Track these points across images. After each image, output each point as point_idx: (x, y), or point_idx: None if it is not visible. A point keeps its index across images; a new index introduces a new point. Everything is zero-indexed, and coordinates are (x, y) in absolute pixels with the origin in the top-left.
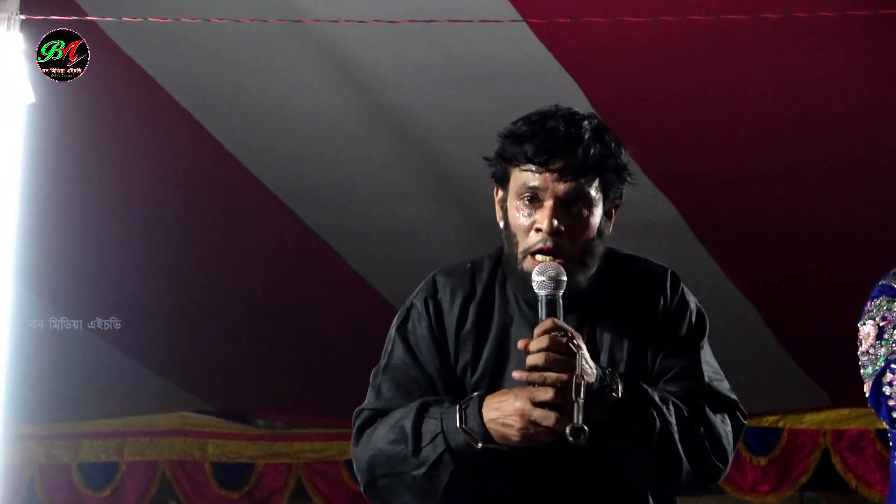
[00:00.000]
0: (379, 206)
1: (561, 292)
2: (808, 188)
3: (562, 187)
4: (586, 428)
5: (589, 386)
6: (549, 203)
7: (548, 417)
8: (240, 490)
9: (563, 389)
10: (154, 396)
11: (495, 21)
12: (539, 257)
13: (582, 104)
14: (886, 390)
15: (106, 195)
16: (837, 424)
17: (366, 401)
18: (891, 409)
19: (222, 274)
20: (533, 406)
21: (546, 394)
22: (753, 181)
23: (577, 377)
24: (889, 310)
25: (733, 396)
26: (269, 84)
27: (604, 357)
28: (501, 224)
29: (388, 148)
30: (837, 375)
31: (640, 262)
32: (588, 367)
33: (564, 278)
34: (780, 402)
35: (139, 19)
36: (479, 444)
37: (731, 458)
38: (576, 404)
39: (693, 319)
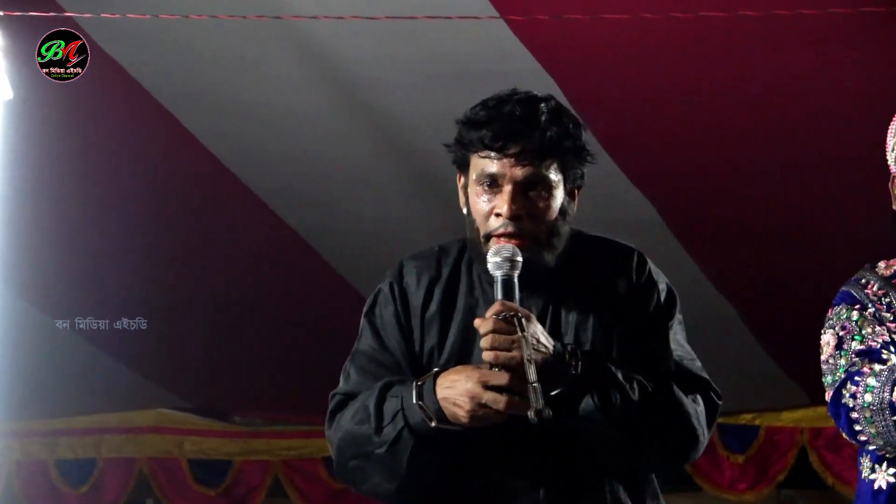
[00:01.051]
0: (359, 204)
1: (517, 273)
2: (788, 186)
3: (520, 172)
4: (549, 410)
5: (543, 363)
6: (507, 188)
7: (498, 401)
8: (217, 487)
9: (516, 371)
10: (131, 393)
11: (473, 18)
12: (503, 240)
13: (561, 102)
14: (849, 402)
15: (82, 192)
16: (815, 422)
17: (339, 386)
18: (853, 421)
19: (201, 271)
20: (483, 389)
21: (500, 378)
22: (733, 179)
23: (526, 360)
24: (848, 319)
25: (705, 376)
26: (248, 81)
27: (569, 338)
28: (465, 210)
29: (368, 145)
30: (815, 373)
31: (607, 242)
32: (543, 345)
33: (520, 259)
34: (757, 400)
35: (118, 16)
36: (433, 423)
37: (703, 438)
38: (530, 388)
39: (661, 299)
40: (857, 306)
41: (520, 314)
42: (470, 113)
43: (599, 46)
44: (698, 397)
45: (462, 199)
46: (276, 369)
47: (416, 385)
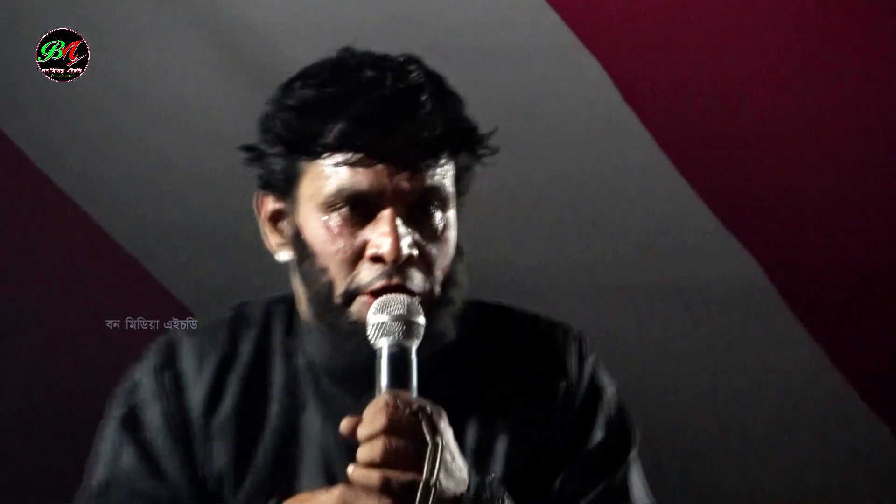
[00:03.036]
0: None
1: (415, 344)
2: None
3: (407, 185)
4: None
5: (457, 499)
6: (386, 213)
7: None
8: None
9: (406, 497)
10: None
11: None
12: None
13: (605, 86)
14: None
15: None
16: None
17: None
18: None
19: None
20: None
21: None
22: (813, 192)
23: (424, 483)
24: None
25: None
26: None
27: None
28: (284, 256)
29: None
30: None
31: (530, 320)
32: (458, 465)
33: (421, 320)
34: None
35: None
36: None
37: None
38: None
39: (612, 413)
40: None
41: (429, 410)
42: (301, 92)
43: (651, 21)
44: None
45: (274, 240)
46: None
47: None
